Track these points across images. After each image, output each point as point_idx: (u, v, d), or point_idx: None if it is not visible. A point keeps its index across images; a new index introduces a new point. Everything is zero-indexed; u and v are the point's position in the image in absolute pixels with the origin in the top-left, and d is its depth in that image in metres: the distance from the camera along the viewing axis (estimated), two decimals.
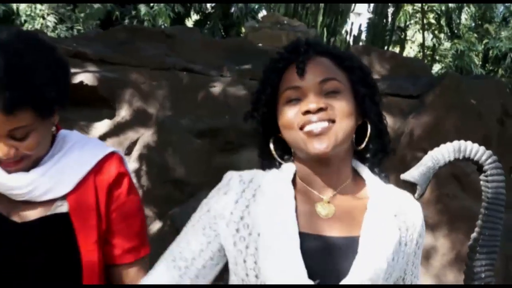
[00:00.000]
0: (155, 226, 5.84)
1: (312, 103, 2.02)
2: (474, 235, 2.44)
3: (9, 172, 2.21)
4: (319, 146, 2.02)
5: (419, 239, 2.19)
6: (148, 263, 2.42)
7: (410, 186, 2.26)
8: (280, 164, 2.21)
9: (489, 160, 2.38)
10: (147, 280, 2.15)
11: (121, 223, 2.38)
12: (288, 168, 2.19)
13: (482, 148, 2.39)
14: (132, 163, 5.94)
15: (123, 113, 6.17)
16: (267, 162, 2.24)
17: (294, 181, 2.18)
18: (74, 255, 2.25)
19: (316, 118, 2.02)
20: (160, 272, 2.15)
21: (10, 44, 2.13)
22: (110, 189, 2.34)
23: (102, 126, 6.10)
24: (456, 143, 2.39)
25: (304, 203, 2.13)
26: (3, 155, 2.14)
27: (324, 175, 2.13)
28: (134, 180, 5.92)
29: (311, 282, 1.97)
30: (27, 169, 2.24)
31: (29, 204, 2.26)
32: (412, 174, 2.33)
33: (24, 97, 2.06)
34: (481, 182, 2.42)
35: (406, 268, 2.19)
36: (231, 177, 2.19)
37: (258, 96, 2.19)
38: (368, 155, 2.20)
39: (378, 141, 2.17)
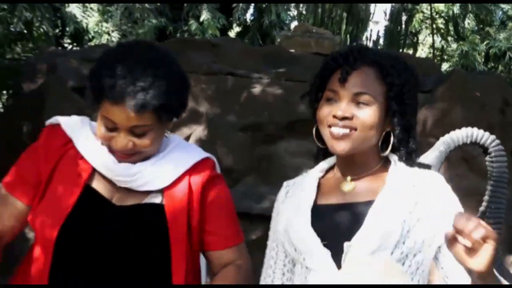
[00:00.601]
0: None
1: (340, 110, 2.05)
2: (481, 208, 2.42)
3: (120, 161, 2.23)
4: (337, 147, 2.06)
5: (444, 209, 2.07)
6: (246, 249, 2.44)
7: (426, 168, 2.25)
8: (322, 147, 2.23)
9: (493, 144, 2.36)
10: None
11: (216, 215, 2.35)
12: (329, 160, 2.26)
13: (487, 133, 2.37)
14: None
15: None
16: (317, 147, 2.27)
17: (330, 169, 2.25)
18: (164, 242, 2.23)
19: (341, 124, 2.04)
20: None
21: (148, 55, 2.19)
22: (204, 189, 2.32)
23: None
24: (464, 129, 2.37)
25: (332, 183, 2.18)
26: (121, 147, 2.17)
27: (349, 165, 2.15)
28: None
29: (318, 241, 2.03)
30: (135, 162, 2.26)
31: (129, 191, 2.27)
32: (427, 157, 2.32)
33: (152, 102, 2.09)
34: (487, 163, 2.40)
35: (431, 244, 2.06)
36: (282, 187, 2.31)
37: (312, 84, 2.22)
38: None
39: (404, 148, 2.15)
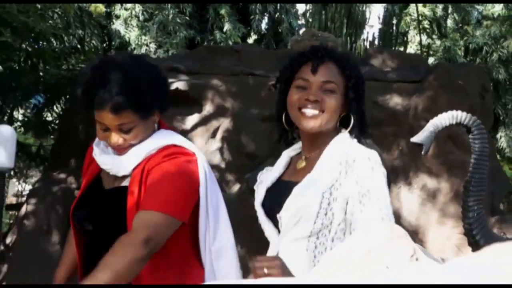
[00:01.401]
0: (236, 187, 5.88)
1: (312, 95, 2.14)
2: (467, 179, 2.41)
3: (115, 153, 2.35)
4: (307, 125, 2.14)
5: (361, 180, 2.06)
6: (155, 219, 2.16)
7: (418, 146, 2.24)
8: (288, 131, 2.29)
9: (475, 124, 2.34)
10: None
11: (148, 190, 2.25)
12: (299, 144, 2.31)
13: (469, 115, 2.35)
14: (216, 143, 6.02)
15: (208, 108, 6.22)
16: (282, 129, 2.31)
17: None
18: (123, 212, 2.25)
19: (311, 106, 2.13)
20: None
21: (123, 63, 2.27)
22: (149, 171, 2.28)
23: (193, 118, 6.16)
24: (450, 113, 2.35)
25: (295, 162, 2.26)
26: (114, 143, 2.26)
27: (311, 142, 2.21)
28: (218, 156, 6.05)
29: (262, 212, 2.20)
30: None
31: (116, 177, 2.36)
32: (419, 138, 2.30)
33: (126, 103, 2.18)
34: (470, 140, 2.38)
35: (353, 205, 2.06)
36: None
37: (281, 75, 2.27)
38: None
39: (358, 127, 2.21)
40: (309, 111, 2.11)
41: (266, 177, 2.28)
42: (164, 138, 2.36)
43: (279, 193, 2.14)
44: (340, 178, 2.07)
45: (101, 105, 2.21)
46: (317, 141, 2.17)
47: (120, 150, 2.30)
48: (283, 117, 2.26)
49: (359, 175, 2.07)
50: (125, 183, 2.32)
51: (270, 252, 2.17)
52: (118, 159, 2.31)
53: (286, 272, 1.90)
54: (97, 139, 2.42)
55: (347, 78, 2.18)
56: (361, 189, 2.05)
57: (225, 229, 2.41)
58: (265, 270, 1.87)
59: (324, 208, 2.04)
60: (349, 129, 2.18)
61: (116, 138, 2.25)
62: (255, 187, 2.34)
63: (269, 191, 2.20)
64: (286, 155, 2.31)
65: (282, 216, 2.07)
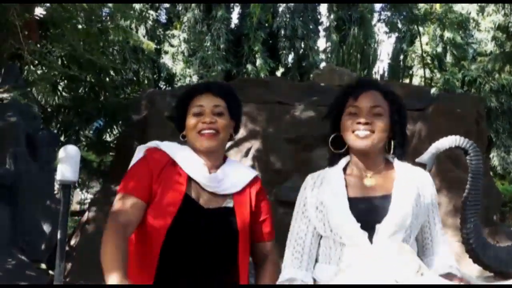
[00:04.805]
0: None
1: (363, 118, 2.07)
2: (464, 194, 2.38)
3: (210, 173, 2.22)
4: (360, 145, 2.07)
5: (432, 195, 2.12)
6: (274, 248, 2.36)
7: (422, 166, 2.22)
8: (336, 153, 2.20)
9: (471, 147, 2.32)
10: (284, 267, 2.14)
11: (263, 216, 2.30)
12: (342, 161, 2.20)
13: (466, 139, 2.33)
14: (248, 161, 6.00)
15: (241, 131, 6.17)
16: (331, 152, 2.25)
17: (346, 168, 2.19)
18: (234, 233, 2.18)
19: (363, 128, 2.07)
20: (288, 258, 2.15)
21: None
22: (257, 195, 2.29)
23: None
24: (449, 137, 2.33)
25: (354, 179, 2.14)
26: (208, 120, 2.23)
27: (366, 162, 2.13)
28: None
29: (358, 225, 2.00)
30: (216, 169, 2.25)
31: (212, 194, 2.20)
32: (422, 158, 2.29)
33: (224, 93, 2.32)
34: (467, 161, 2.36)
35: (428, 215, 2.11)
36: (307, 178, 2.23)
37: (333, 106, 2.23)
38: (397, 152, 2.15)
39: (401, 148, 2.15)
40: (362, 132, 2.07)
41: (325, 196, 2.18)
42: (248, 167, 2.45)
43: (372, 207, 2.06)
44: (420, 191, 2.08)
45: (204, 90, 2.29)
46: (373, 160, 2.13)
47: (209, 135, 2.24)
48: (329, 141, 2.23)
49: (433, 191, 2.12)
50: (227, 203, 2.23)
51: (357, 257, 2.08)
52: (223, 178, 2.23)
53: None
54: (168, 150, 2.27)
55: (391, 103, 2.14)
56: (434, 203, 2.12)
57: None
58: None
59: (414, 220, 2.03)
60: (391, 152, 2.15)
61: (209, 119, 2.23)
62: (309, 191, 2.23)
63: (353, 206, 2.06)
64: (340, 172, 2.22)
65: (383, 226, 1.99)
